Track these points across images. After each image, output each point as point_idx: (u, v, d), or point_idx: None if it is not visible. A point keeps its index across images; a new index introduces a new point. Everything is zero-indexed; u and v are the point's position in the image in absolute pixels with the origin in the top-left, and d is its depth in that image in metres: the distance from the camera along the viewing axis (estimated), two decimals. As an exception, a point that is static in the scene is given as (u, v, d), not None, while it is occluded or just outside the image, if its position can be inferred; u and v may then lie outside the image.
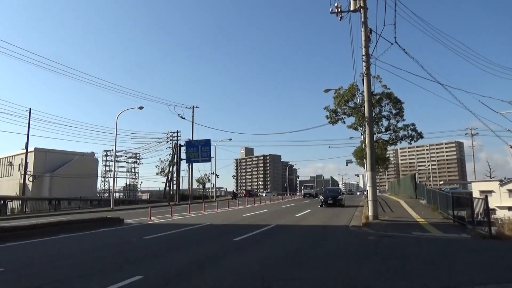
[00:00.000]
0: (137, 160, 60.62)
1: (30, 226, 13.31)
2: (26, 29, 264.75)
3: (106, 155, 59.18)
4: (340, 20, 16.81)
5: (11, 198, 32.97)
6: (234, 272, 6.75)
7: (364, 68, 16.82)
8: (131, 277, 6.12)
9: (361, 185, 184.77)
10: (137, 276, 6.22)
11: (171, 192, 46.60)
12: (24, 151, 36.75)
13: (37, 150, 41.75)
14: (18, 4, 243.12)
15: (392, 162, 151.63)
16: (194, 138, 45.94)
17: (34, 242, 11.24)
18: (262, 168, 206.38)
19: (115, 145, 35.73)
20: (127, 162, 60.11)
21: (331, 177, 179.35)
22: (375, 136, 19.08)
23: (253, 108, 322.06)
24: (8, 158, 45.71)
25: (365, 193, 41.68)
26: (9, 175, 44.76)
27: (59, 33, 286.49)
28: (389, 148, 35.87)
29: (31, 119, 34.56)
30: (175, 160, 46.10)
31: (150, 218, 19.27)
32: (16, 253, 9.64)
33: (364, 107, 17.44)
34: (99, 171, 52.75)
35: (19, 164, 42.00)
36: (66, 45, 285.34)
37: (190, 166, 47.17)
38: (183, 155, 45.50)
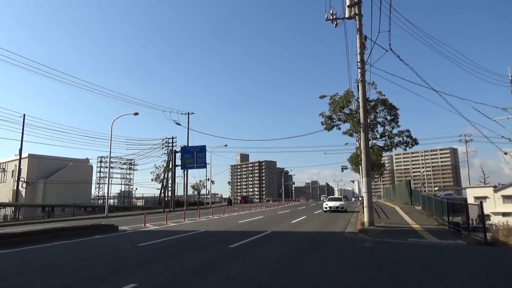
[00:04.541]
0: (132, 166, 60.48)
1: (22, 233, 13.13)
2: (20, 33, 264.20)
3: (101, 161, 59.04)
4: (335, 27, 16.93)
5: (4, 205, 32.56)
6: (230, 279, 6.69)
7: (359, 75, 16.92)
8: (125, 285, 6.04)
9: (356, 191, 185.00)
10: (131, 284, 6.14)
11: (166, 199, 46.32)
12: (18, 157, 36.47)
13: (31, 156, 41.43)
14: (11, 7, 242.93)
15: (387, 168, 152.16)
16: (190, 144, 45.87)
17: (26, 249, 11.08)
18: (257, 174, 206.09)
19: (110, 151, 35.51)
20: (122, 169, 59.98)
21: (327, 183, 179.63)
22: (370, 142, 19.13)
23: (249, 114, 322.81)
24: (2, 164, 45.29)
25: (360, 199, 41.60)
26: (3, 181, 44.32)
27: (54, 37, 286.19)
28: (384, 154, 35.95)
29: (25, 125, 34.45)
30: (170, 166, 45.91)
31: (144, 224, 19.11)
32: (7, 261, 9.48)
33: (359, 113, 17.51)
34: (94, 178, 52.51)
35: (13, 171, 41.63)
36: (61, 49, 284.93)
37: (185, 173, 47.04)
38: (178, 161, 45.40)
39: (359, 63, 16.76)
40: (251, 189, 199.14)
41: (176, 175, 47.02)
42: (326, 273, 7.21)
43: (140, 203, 56.52)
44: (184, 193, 48.55)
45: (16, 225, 22.88)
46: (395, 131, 20.30)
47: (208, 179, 57.07)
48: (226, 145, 65.14)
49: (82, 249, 11.49)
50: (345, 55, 44.12)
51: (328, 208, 28.80)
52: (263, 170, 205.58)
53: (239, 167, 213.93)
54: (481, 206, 11.64)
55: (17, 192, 36.24)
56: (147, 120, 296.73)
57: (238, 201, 73.67)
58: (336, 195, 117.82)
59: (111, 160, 49.52)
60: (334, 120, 19.83)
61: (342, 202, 29.93)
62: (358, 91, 17.39)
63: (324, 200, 41.10)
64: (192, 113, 46.79)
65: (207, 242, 12.86)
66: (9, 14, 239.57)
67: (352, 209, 31.85)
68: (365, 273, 6.91)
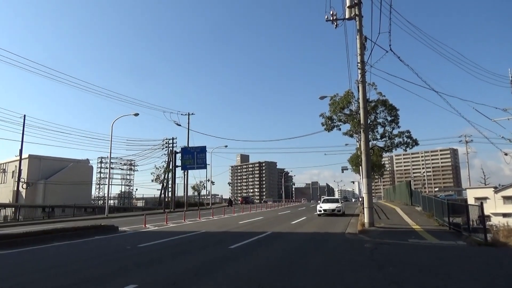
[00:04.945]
0: (132, 167, 60.36)
1: (23, 234, 13.13)
2: (20, 33, 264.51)
3: (101, 162, 58.93)
4: (336, 28, 16.94)
5: (4, 206, 32.55)
6: (230, 280, 6.69)
7: (360, 76, 16.93)
8: (126, 286, 6.05)
9: (356, 192, 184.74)
10: (132, 284, 6.15)
11: (166, 200, 46.32)
12: (18, 158, 36.47)
13: (31, 157, 41.44)
14: (11, 7, 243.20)
15: (388, 169, 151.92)
16: (190, 145, 45.84)
17: (27, 250, 11.08)
18: (257, 175, 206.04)
19: (110, 152, 35.47)
20: (122, 169, 59.86)
21: (327, 184, 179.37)
22: (370, 143, 19.12)
23: (249, 115, 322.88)
24: (2, 165, 45.31)
25: (360, 199, 41.54)
26: (3, 182, 44.32)
27: (54, 37, 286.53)
28: (384, 155, 35.90)
29: (25, 126, 34.46)
30: (171, 167, 45.92)
31: (145, 225, 19.11)
32: (8, 261, 9.49)
33: (359, 114, 17.51)
34: (94, 178, 52.46)
35: (13, 171, 41.62)
36: (61, 49, 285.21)
37: (186, 173, 47.01)
38: (178, 162, 45.38)
39: (359, 64, 16.77)
40: (252, 190, 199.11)
41: (176, 176, 47.06)
42: (326, 273, 7.22)
43: (140, 203, 56.52)
44: (184, 194, 48.51)
45: (16, 225, 22.87)
46: (395, 131, 20.30)
47: (208, 180, 57.04)
48: (226, 146, 65.50)
49: (82, 250, 11.49)
50: (345, 56, 44.22)
51: (322, 212, 24.59)
52: (263, 171, 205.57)
53: (239, 168, 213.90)
54: (481, 207, 11.64)
55: (17, 193, 36.25)
56: (147, 121, 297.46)
57: (239, 202, 73.68)
58: (337, 195, 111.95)
59: (111, 160, 49.61)
60: (335, 121, 19.83)
61: (338, 204, 25.47)
62: (358, 91, 17.39)
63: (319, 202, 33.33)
64: (192, 113, 46.80)
65: (208, 242, 12.87)
66: (9, 14, 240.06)
67: (352, 211, 29.41)
68: (365, 274, 6.91)
